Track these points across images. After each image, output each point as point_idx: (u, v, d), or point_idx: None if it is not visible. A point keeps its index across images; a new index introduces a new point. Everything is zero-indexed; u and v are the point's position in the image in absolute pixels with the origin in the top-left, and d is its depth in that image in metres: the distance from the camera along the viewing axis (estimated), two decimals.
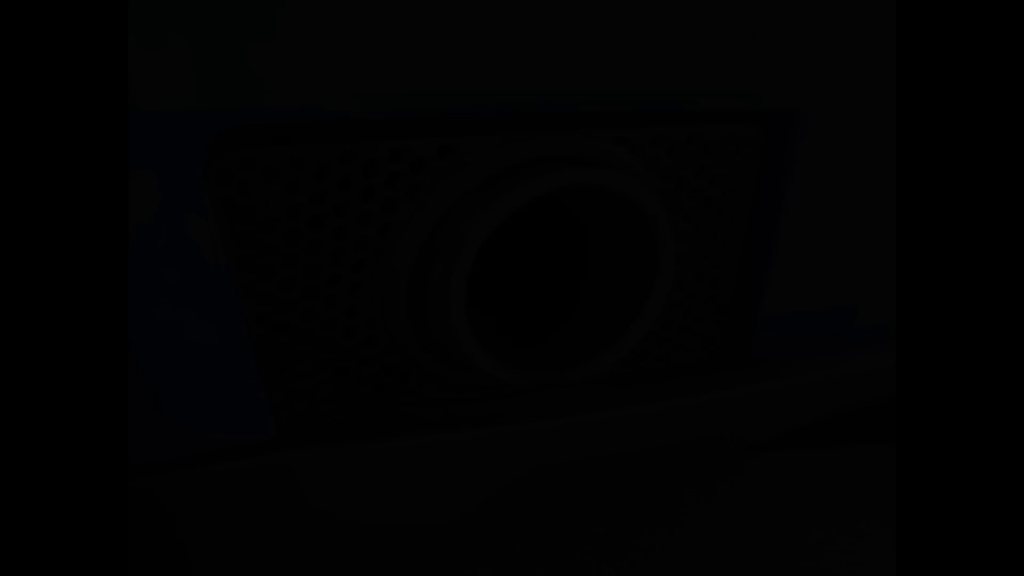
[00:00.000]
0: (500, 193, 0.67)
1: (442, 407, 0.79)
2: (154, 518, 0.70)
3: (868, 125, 0.80)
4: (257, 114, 0.60)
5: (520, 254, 0.84)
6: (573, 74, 0.68)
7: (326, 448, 0.70)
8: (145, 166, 0.58)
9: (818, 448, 1.77)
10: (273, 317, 0.70)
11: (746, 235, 0.84)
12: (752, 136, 0.79)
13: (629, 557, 1.42)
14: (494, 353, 0.71)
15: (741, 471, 1.70)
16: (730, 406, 0.85)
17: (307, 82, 0.61)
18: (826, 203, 0.82)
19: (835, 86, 0.79)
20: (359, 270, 0.70)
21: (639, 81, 0.71)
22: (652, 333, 0.85)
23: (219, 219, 0.63)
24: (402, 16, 0.63)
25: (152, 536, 0.72)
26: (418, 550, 1.14)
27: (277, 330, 0.71)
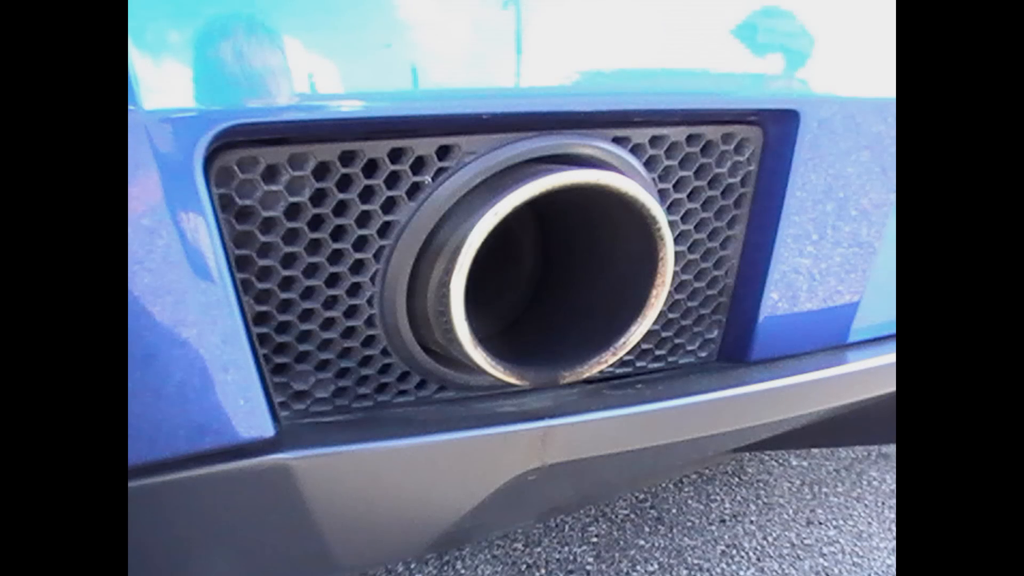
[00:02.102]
0: (500, 193, 0.67)
1: (442, 407, 0.79)
2: (154, 518, 0.70)
3: (868, 124, 0.80)
4: (257, 114, 0.60)
5: (520, 254, 0.84)
6: (573, 74, 0.68)
7: (326, 448, 0.70)
8: (145, 166, 0.57)
9: (818, 448, 1.77)
10: (273, 317, 0.70)
11: (746, 235, 0.83)
12: (752, 136, 0.79)
13: (629, 557, 1.42)
14: (494, 353, 0.71)
15: (741, 471, 1.70)
16: (730, 406, 0.84)
17: (307, 82, 0.61)
18: (825, 202, 0.82)
19: (835, 86, 0.79)
20: (359, 270, 0.70)
21: (639, 81, 0.71)
22: (652, 333, 0.85)
23: (219, 219, 0.63)
24: (402, 16, 0.62)
25: (152, 536, 0.71)
26: (418, 549, 1.14)
27: (277, 330, 0.71)
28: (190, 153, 0.59)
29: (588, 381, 0.83)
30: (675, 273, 0.82)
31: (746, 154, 0.80)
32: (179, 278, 0.61)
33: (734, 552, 1.44)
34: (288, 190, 0.66)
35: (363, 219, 0.68)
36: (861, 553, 1.45)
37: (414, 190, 0.69)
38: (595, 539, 1.45)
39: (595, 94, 0.70)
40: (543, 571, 1.37)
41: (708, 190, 0.80)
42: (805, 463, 1.74)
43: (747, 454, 1.72)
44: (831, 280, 0.87)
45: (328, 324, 0.72)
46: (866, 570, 1.41)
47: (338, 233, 0.68)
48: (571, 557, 1.40)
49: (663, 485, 1.62)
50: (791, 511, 1.57)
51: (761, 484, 1.65)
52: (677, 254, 0.80)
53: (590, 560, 1.40)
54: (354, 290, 0.71)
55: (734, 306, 0.87)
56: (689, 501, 1.58)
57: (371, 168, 0.67)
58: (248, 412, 0.67)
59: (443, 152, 0.68)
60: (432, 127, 0.67)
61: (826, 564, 1.42)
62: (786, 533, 1.50)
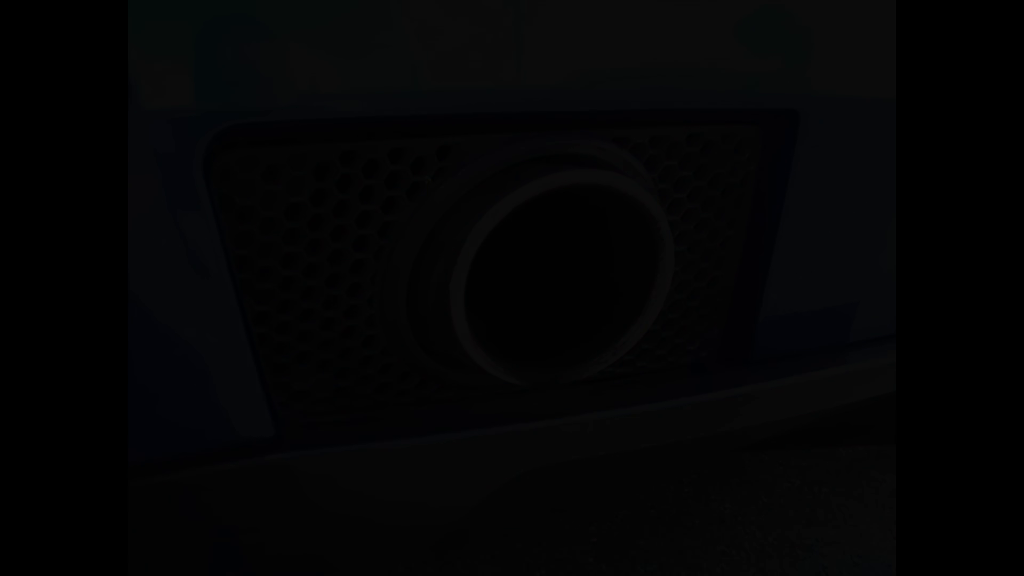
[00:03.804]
0: (500, 193, 0.67)
1: (442, 407, 0.79)
2: (155, 518, 0.70)
3: (867, 124, 0.80)
4: (257, 114, 0.60)
5: (520, 254, 0.84)
6: (573, 74, 0.68)
7: (326, 448, 0.70)
8: (145, 166, 0.57)
9: (818, 448, 1.77)
10: (273, 317, 0.70)
11: (746, 235, 0.83)
12: (752, 136, 0.79)
13: (629, 557, 1.41)
14: (494, 353, 0.71)
15: (741, 471, 1.70)
16: (730, 406, 0.84)
17: (307, 82, 0.61)
18: (825, 203, 0.82)
19: (834, 86, 0.79)
20: (359, 270, 0.70)
21: (639, 81, 0.71)
22: (652, 333, 0.85)
23: (219, 219, 0.63)
24: (402, 16, 0.63)
25: (152, 536, 0.72)
26: (418, 550, 1.14)
27: (277, 330, 0.71)
28: (190, 153, 0.59)
29: (588, 381, 0.83)
30: (675, 273, 0.82)
31: (746, 154, 0.80)
32: (179, 278, 0.61)
33: (734, 552, 1.44)
34: (288, 190, 0.66)
35: (363, 219, 0.68)
36: (861, 553, 1.45)
37: (414, 190, 0.69)
38: (595, 539, 1.45)
39: (595, 94, 0.70)
40: (543, 571, 1.37)
41: (708, 190, 0.80)
42: (805, 463, 1.74)
43: (747, 454, 1.72)
44: (831, 280, 0.87)
45: (328, 324, 0.72)
46: (866, 570, 1.41)
47: (338, 233, 0.69)
48: (571, 557, 1.40)
49: (663, 485, 1.62)
50: (791, 511, 1.57)
51: (761, 484, 1.65)
52: (677, 254, 0.80)
53: (590, 560, 1.40)
54: (354, 290, 0.71)
55: (734, 306, 0.87)
56: (689, 501, 1.58)
57: (371, 168, 0.67)
58: (248, 412, 0.67)
59: (443, 152, 0.68)
60: (432, 127, 0.67)
61: (826, 564, 1.42)
62: (786, 533, 1.50)
